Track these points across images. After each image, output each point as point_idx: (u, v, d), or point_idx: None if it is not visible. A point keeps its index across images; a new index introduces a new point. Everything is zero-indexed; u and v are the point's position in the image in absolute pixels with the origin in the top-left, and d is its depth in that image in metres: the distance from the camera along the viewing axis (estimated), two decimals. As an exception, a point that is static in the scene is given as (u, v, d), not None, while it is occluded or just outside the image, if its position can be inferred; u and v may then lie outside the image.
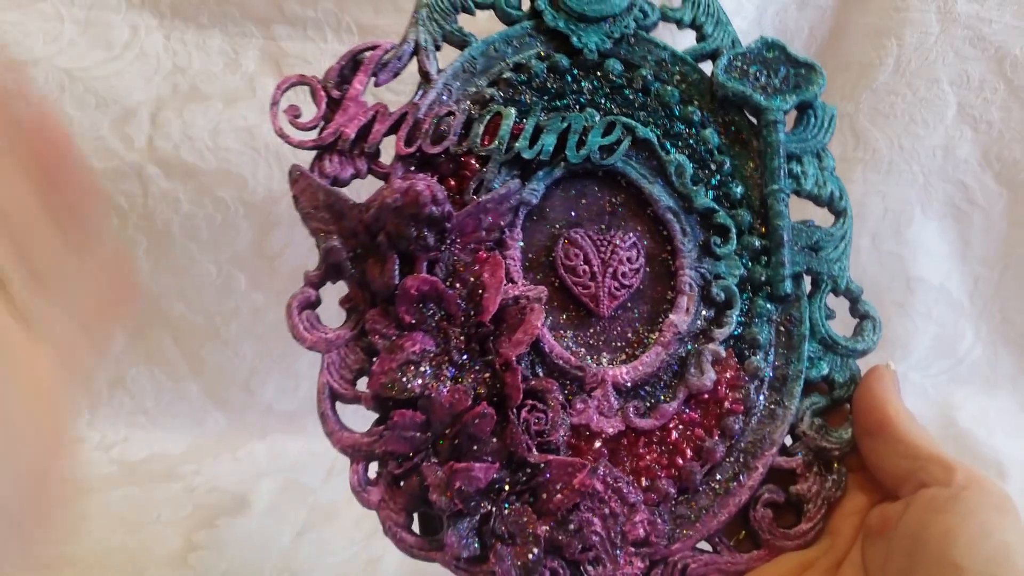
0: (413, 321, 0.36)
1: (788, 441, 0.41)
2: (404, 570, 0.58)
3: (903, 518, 0.35)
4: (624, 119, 0.41)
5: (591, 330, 0.40)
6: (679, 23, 0.44)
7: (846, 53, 0.73)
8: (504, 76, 0.40)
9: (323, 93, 0.38)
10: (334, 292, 0.38)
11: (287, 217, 0.68)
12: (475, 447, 0.36)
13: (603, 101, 0.42)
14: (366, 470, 0.36)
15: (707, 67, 0.44)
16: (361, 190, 0.38)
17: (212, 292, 0.70)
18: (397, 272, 0.36)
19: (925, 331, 0.79)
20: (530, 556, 0.35)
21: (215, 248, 0.69)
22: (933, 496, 0.35)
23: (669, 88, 0.42)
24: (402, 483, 0.36)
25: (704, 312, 0.41)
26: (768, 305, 0.41)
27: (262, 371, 0.73)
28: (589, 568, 0.36)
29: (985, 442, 0.75)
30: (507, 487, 0.36)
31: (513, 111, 0.39)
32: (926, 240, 0.77)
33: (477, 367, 0.37)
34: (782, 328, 0.42)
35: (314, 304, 0.37)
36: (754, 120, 0.43)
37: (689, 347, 0.41)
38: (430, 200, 0.35)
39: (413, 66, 0.41)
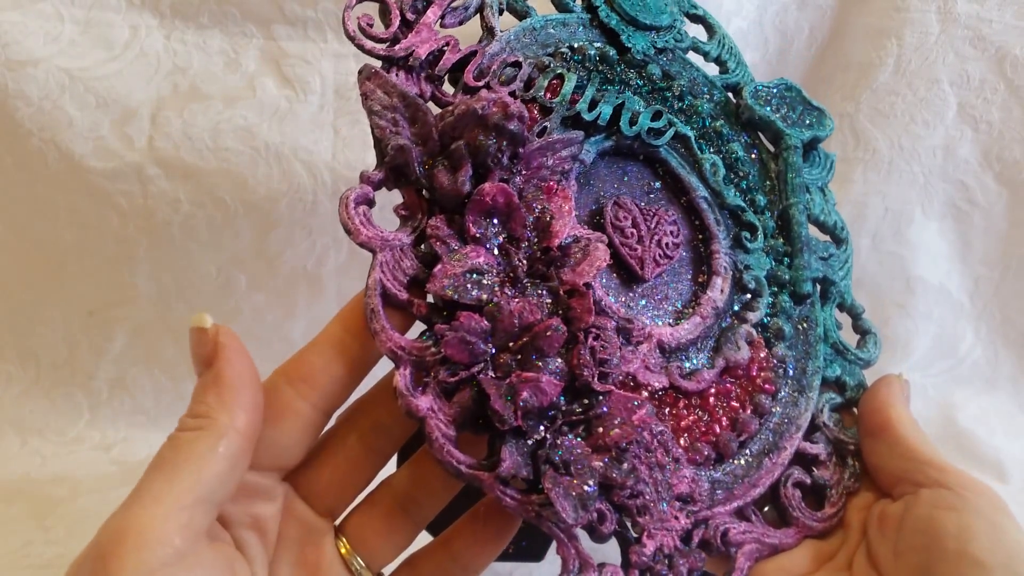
0: (478, 235, 0.34)
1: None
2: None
3: (909, 515, 0.36)
4: (668, 115, 0.43)
5: (632, 295, 0.41)
6: (706, 55, 0.48)
7: (846, 53, 0.73)
8: (561, 51, 0.42)
9: (398, 12, 0.37)
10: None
11: (287, 217, 0.68)
12: (539, 364, 0.33)
13: (647, 95, 0.44)
14: (414, 376, 0.33)
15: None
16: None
17: (212, 292, 0.70)
18: (470, 180, 0.34)
19: (925, 331, 0.79)
20: (586, 488, 0.32)
21: (215, 248, 0.69)
22: (939, 496, 0.35)
23: (701, 102, 0.45)
24: (454, 395, 0.33)
25: (737, 296, 0.43)
26: (790, 303, 0.44)
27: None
28: (636, 515, 0.34)
29: (985, 442, 0.75)
30: (561, 416, 0.33)
31: (575, 76, 0.40)
32: (926, 240, 0.77)
33: (540, 291, 0.35)
34: (800, 327, 0.44)
35: (370, 203, 0.35)
36: (771, 147, 0.47)
37: (724, 323, 0.42)
38: (517, 114, 0.35)
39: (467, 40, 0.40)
